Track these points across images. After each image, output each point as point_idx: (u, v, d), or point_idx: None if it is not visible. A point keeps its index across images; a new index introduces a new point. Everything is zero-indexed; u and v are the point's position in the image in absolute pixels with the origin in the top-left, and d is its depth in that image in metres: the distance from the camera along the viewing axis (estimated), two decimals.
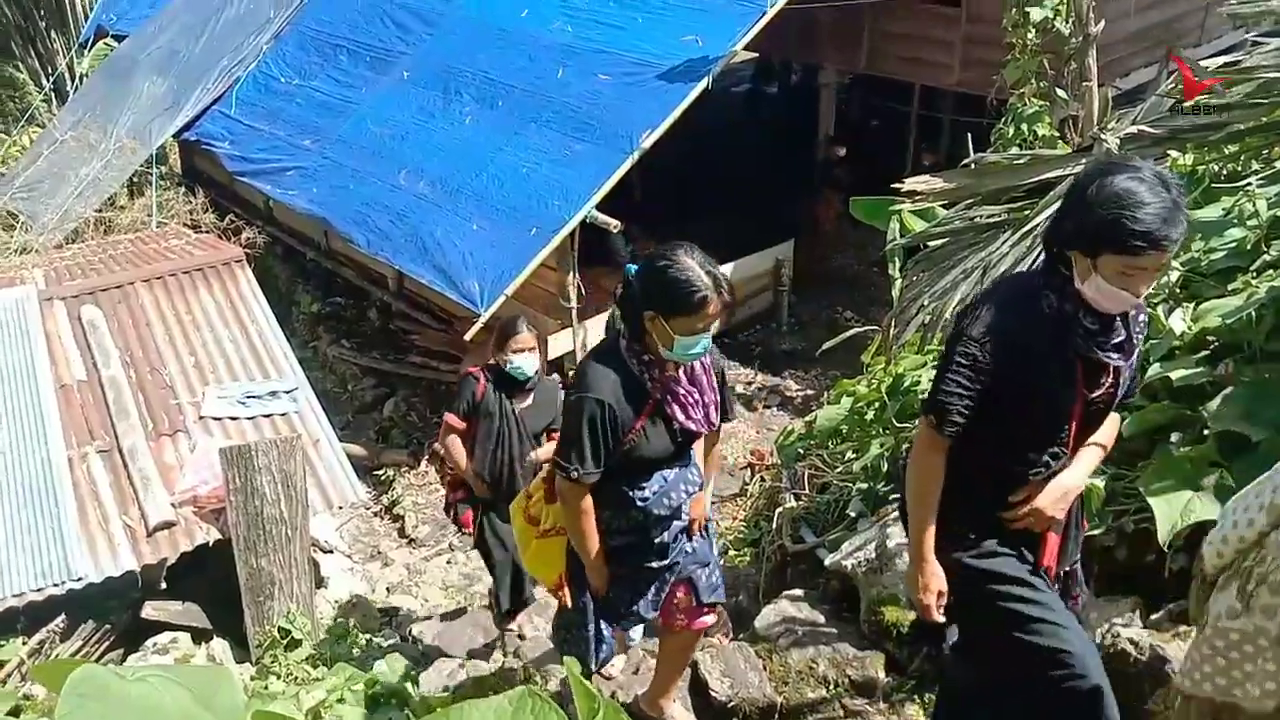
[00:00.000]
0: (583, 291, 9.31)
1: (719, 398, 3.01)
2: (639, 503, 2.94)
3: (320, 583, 6.69)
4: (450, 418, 4.90)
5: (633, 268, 2.83)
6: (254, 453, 5.38)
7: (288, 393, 6.54)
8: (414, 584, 7.62)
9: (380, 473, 9.31)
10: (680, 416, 2.87)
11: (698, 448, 3.17)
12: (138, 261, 7.77)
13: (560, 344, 9.53)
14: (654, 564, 3.04)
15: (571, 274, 9.18)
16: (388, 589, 7.53)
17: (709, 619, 3.27)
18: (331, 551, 7.20)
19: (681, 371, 2.88)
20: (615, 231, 9.13)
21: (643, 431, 2.85)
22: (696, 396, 2.91)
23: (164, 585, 6.37)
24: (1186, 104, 4.07)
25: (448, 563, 7.91)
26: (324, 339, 11.17)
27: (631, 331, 2.83)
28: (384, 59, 11.41)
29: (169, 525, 5.70)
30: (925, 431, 2.44)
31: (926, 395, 2.55)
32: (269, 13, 12.62)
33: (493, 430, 4.81)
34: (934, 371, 2.58)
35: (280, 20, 12.53)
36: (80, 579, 5.32)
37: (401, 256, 9.27)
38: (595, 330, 9.81)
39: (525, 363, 4.72)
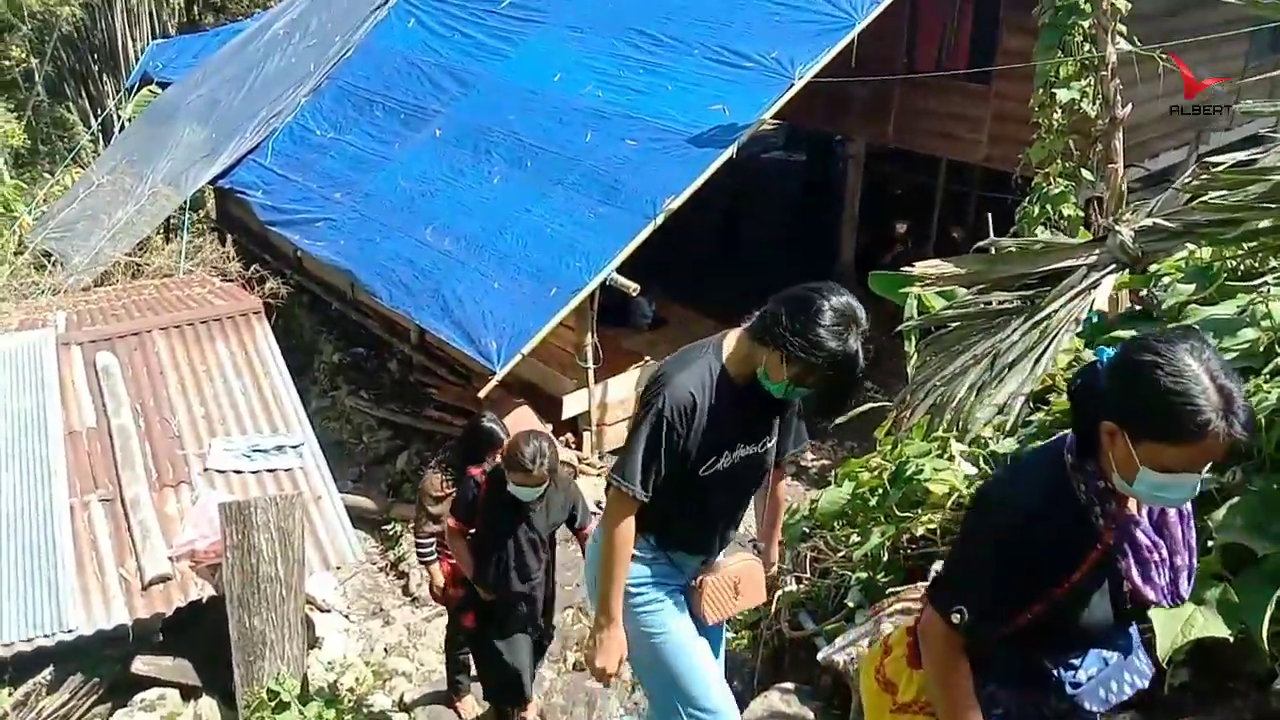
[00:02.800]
0: (600, 352, 9.30)
1: (1192, 561, 2.15)
2: (1068, 687, 2.16)
3: (314, 643, 6.62)
4: (451, 521, 4.70)
5: (1105, 352, 2.02)
6: (253, 510, 5.35)
7: (294, 447, 6.53)
8: (412, 645, 7.52)
9: (389, 527, 9.26)
10: (1137, 578, 2.05)
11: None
12: (158, 308, 7.84)
13: (576, 404, 9.51)
14: None
15: (589, 334, 9.19)
16: (385, 649, 7.43)
17: None
18: (329, 611, 7.14)
19: (1144, 511, 2.09)
20: (635, 295, 9.14)
21: (1081, 589, 2.06)
22: (1164, 554, 2.08)
23: (160, 638, 6.33)
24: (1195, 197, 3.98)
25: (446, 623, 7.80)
26: (343, 389, 11.20)
27: (1082, 443, 2.04)
28: (418, 116, 11.59)
29: (165, 579, 5.66)
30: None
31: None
32: (309, 67, 12.90)
33: (494, 533, 4.59)
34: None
35: (320, 75, 12.80)
36: (71, 631, 5.28)
37: (422, 312, 9.31)
38: (613, 390, 9.78)
39: (527, 494, 4.43)
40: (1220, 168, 3.81)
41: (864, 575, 4.28)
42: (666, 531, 3.00)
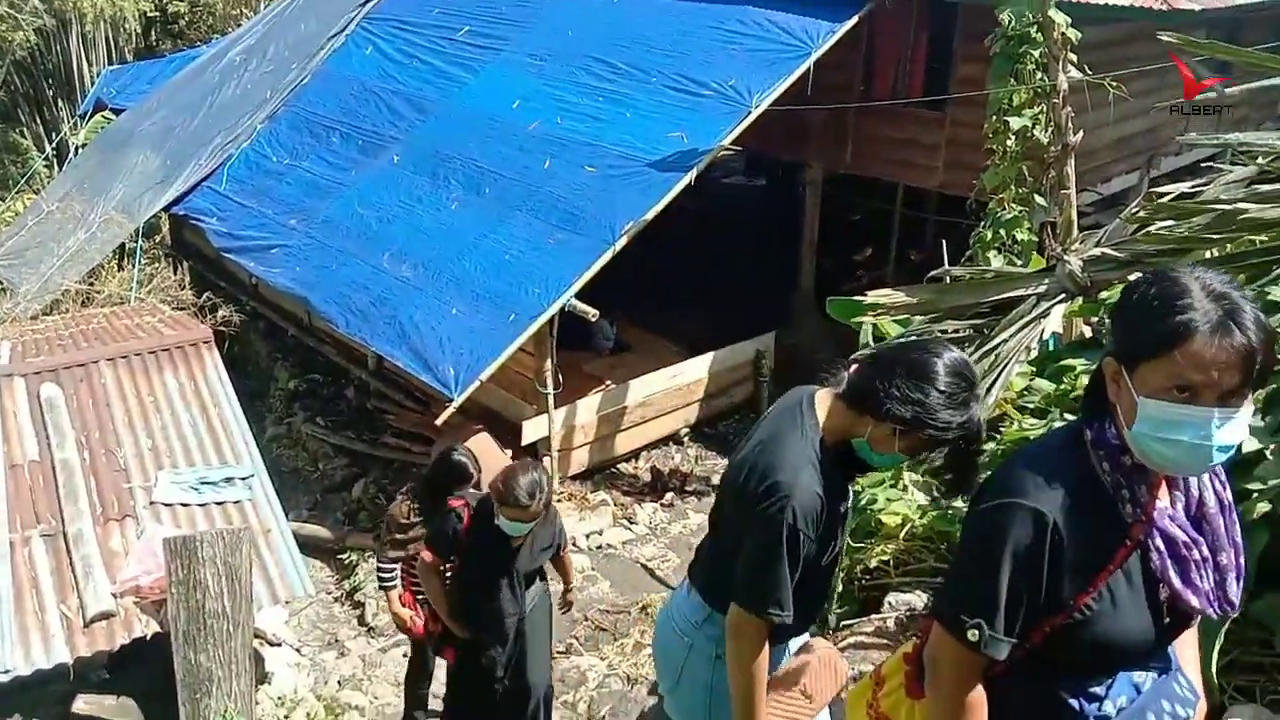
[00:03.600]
0: (560, 377, 9.26)
1: (1239, 560, 1.81)
2: None
3: (263, 678, 6.47)
4: (426, 554, 4.42)
5: None
6: (199, 544, 5.22)
7: (243, 479, 6.41)
8: (367, 677, 7.38)
9: (344, 556, 9.12)
10: (1175, 579, 1.74)
11: (1180, 643, 1.96)
12: (106, 338, 7.69)
13: (536, 429, 9.44)
14: None
15: (549, 360, 9.14)
16: (339, 682, 7.29)
17: None
18: (279, 644, 6.99)
19: (1180, 506, 1.80)
20: (596, 320, 9.12)
21: (1108, 592, 1.74)
22: (1205, 552, 1.77)
23: (104, 675, 6.17)
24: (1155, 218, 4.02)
25: (404, 655, 7.66)
26: (299, 416, 11.07)
27: (1094, 404, 1.81)
28: (375, 143, 11.53)
29: (108, 616, 5.51)
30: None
31: None
32: (266, 94, 12.81)
33: (475, 571, 4.38)
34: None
35: (277, 101, 12.72)
36: (8, 672, 5.11)
37: (379, 339, 9.22)
38: (574, 415, 9.73)
39: (519, 530, 4.19)
40: (1166, 199, 3.85)
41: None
42: (783, 627, 2.55)
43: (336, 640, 8.11)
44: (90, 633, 5.46)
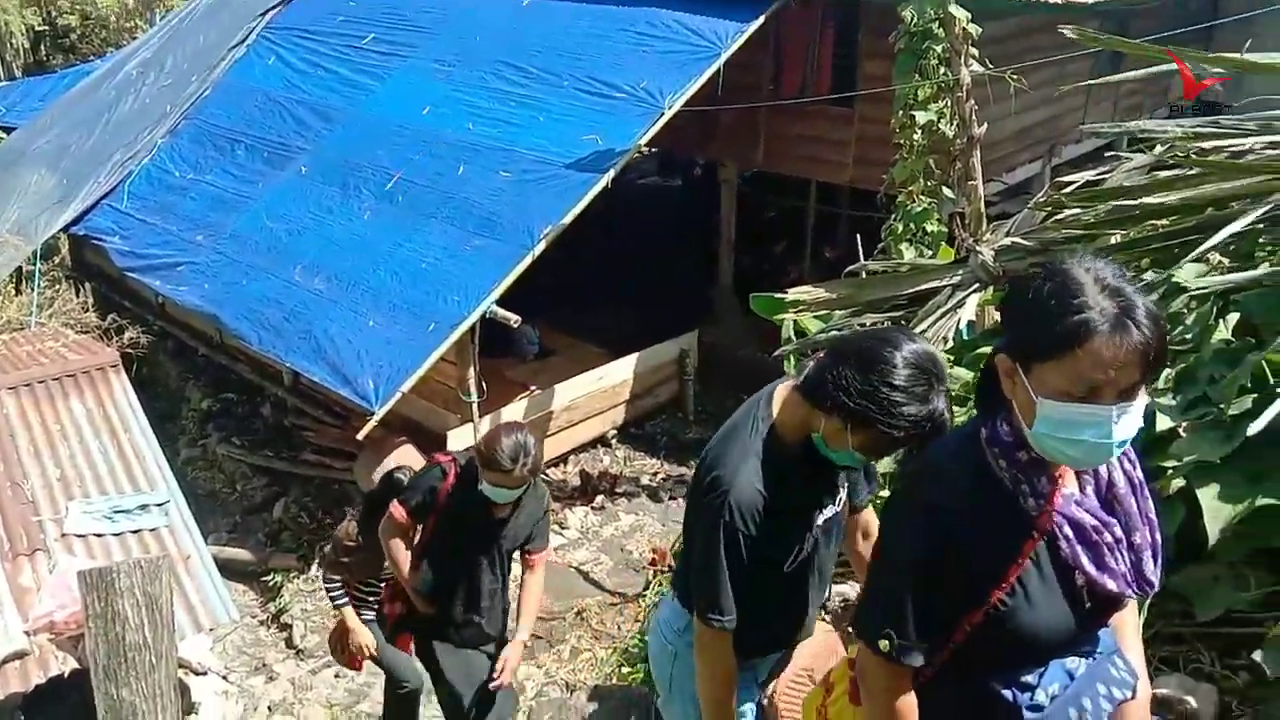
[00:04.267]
0: (484, 385, 9.17)
1: (1154, 537, 1.80)
2: (1028, 712, 1.82)
3: (190, 709, 6.28)
4: (397, 509, 3.98)
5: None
6: (115, 575, 4.99)
7: (159, 505, 6.20)
8: (298, 701, 7.22)
9: (268, 578, 8.91)
10: (1088, 565, 1.73)
11: (1120, 624, 1.96)
12: (6, 366, 7.35)
13: (461, 439, 9.33)
14: None
15: (471, 368, 9.05)
16: (269, 708, 7.12)
17: None
18: (205, 673, 6.79)
19: (1089, 489, 1.78)
20: (519, 325, 9.05)
21: (1020, 586, 1.74)
22: (1118, 533, 1.76)
23: (21, 716, 5.91)
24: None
25: (335, 676, 7.52)
26: (214, 436, 10.78)
27: (986, 401, 1.79)
28: (281, 154, 11.28)
29: (21, 655, 5.28)
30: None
31: None
32: (165, 107, 12.43)
33: (452, 538, 3.97)
34: None
35: (177, 115, 12.35)
36: None
37: (294, 354, 9.02)
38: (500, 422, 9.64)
39: (503, 496, 3.81)
40: (1071, 188, 3.97)
41: None
42: (752, 638, 2.46)
43: (264, 665, 7.92)
44: (3, 674, 5.23)
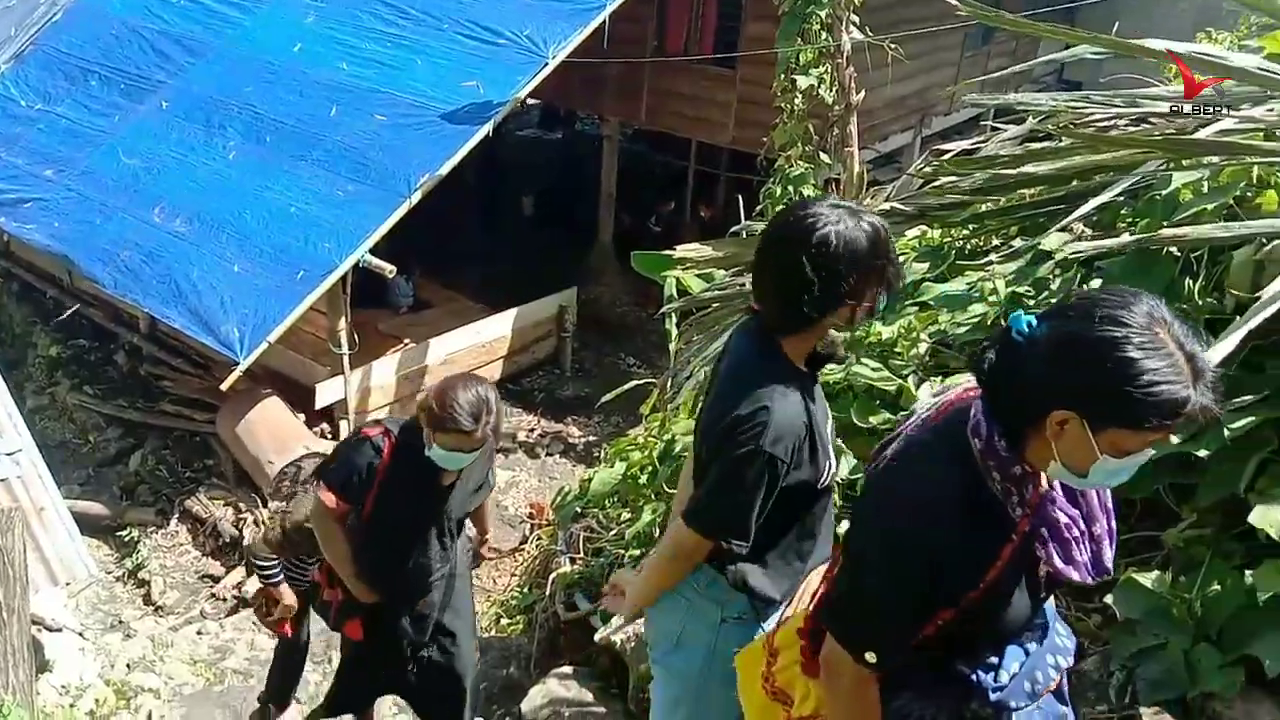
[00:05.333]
0: (355, 337, 8.95)
1: (1111, 524, 1.89)
2: (992, 693, 1.89)
3: (44, 666, 6.00)
4: (327, 496, 3.40)
5: (1023, 320, 1.66)
6: None
7: (9, 455, 5.87)
8: (159, 658, 6.98)
9: (124, 533, 8.55)
10: (1057, 560, 1.78)
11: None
12: None
13: (330, 392, 9.11)
14: None
15: (343, 319, 8.81)
16: (128, 665, 6.86)
17: None
18: (59, 629, 6.49)
19: (1057, 484, 1.82)
20: (393, 276, 8.85)
21: (997, 588, 1.78)
22: (1083, 527, 1.81)
23: None
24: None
25: (198, 633, 7.32)
26: (64, 385, 10.22)
27: (1008, 429, 1.73)
28: (140, 87, 10.67)
29: None
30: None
31: None
32: (9, 30, 11.60)
33: (394, 518, 3.46)
34: None
35: (23, 40, 11.54)
36: None
37: (152, 299, 8.61)
38: (372, 376, 9.45)
39: (455, 462, 3.30)
40: (947, 156, 4.11)
41: (637, 553, 4.33)
42: (779, 572, 2.36)
43: (121, 622, 7.63)
44: None
